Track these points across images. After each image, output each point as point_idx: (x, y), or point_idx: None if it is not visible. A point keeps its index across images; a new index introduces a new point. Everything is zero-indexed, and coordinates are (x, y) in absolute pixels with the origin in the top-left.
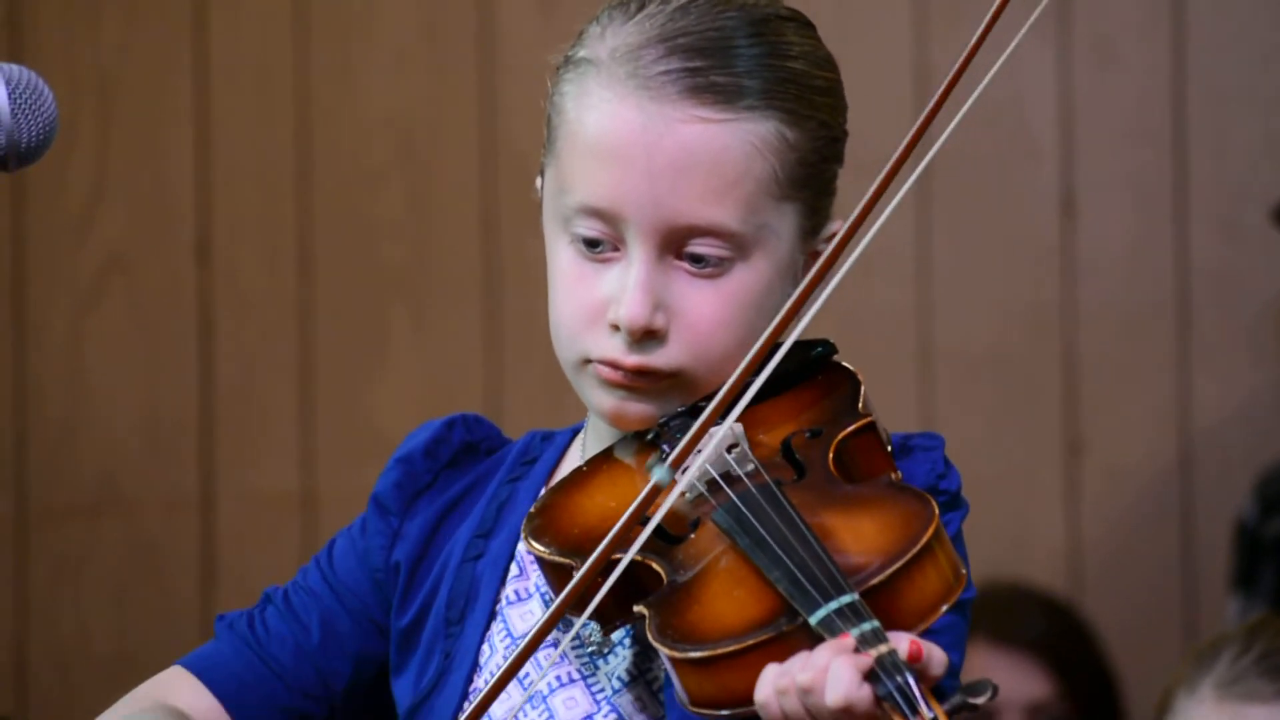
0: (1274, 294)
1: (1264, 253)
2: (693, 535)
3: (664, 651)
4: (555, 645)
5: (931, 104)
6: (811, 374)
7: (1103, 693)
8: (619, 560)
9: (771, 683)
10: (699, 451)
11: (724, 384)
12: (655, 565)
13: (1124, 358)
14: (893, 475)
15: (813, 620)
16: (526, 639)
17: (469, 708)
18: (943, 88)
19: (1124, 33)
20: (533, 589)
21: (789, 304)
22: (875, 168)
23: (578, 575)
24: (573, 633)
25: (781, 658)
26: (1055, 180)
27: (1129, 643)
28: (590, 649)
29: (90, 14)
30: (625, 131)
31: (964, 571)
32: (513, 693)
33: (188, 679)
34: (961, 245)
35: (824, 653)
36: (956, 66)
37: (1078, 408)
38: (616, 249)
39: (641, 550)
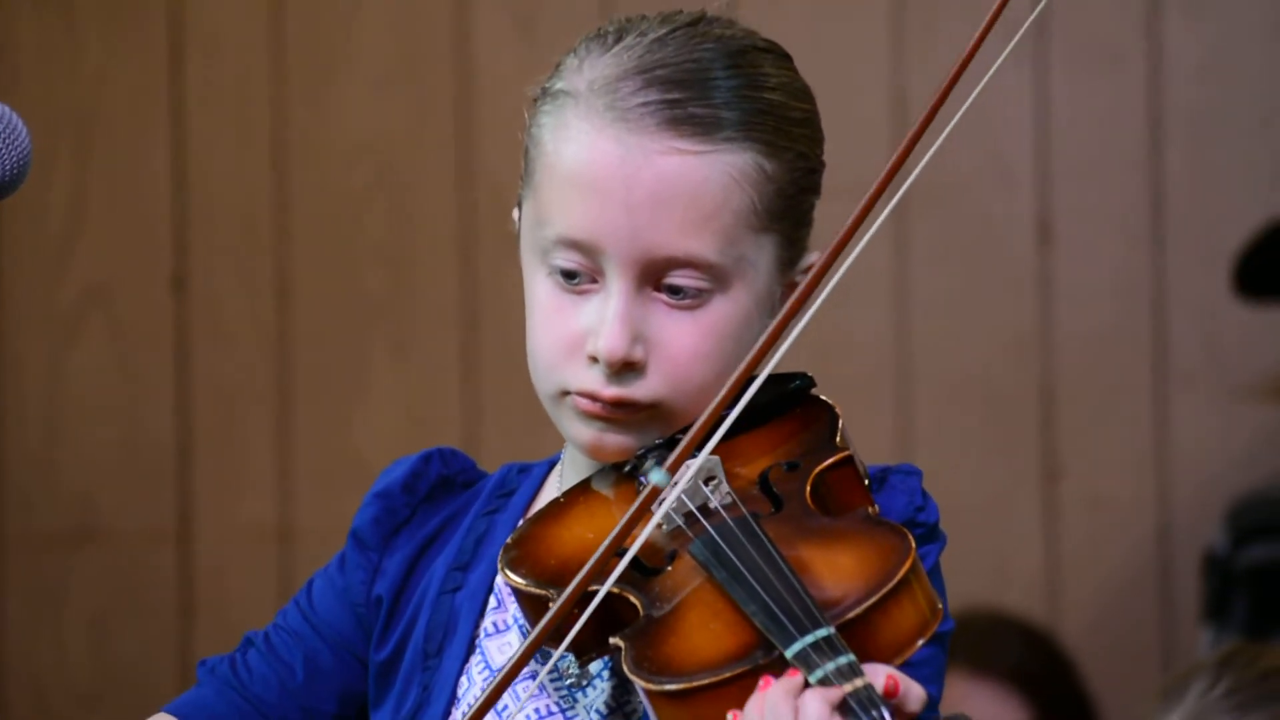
0: (1250, 319)
1: None
2: (669, 568)
3: (640, 684)
4: (534, 678)
5: (909, 135)
6: (789, 407)
7: None
8: (596, 592)
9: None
10: (675, 484)
11: (702, 413)
12: (631, 598)
13: (1102, 385)
14: (870, 509)
15: (789, 653)
16: (503, 670)
17: None
18: (922, 118)
19: (1100, 59)
20: (511, 621)
21: (767, 333)
22: (851, 194)
23: (554, 606)
24: (550, 664)
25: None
26: (1032, 207)
27: (1107, 671)
28: (569, 681)
29: (68, 46)
30: (603, 163)
31: (940, 605)
32: None
33: None
34: (939, 273)
35: (791, 684)
36: (937, 96)
37: (1056, 435)
38: (594, 281)
39: (618, 583)
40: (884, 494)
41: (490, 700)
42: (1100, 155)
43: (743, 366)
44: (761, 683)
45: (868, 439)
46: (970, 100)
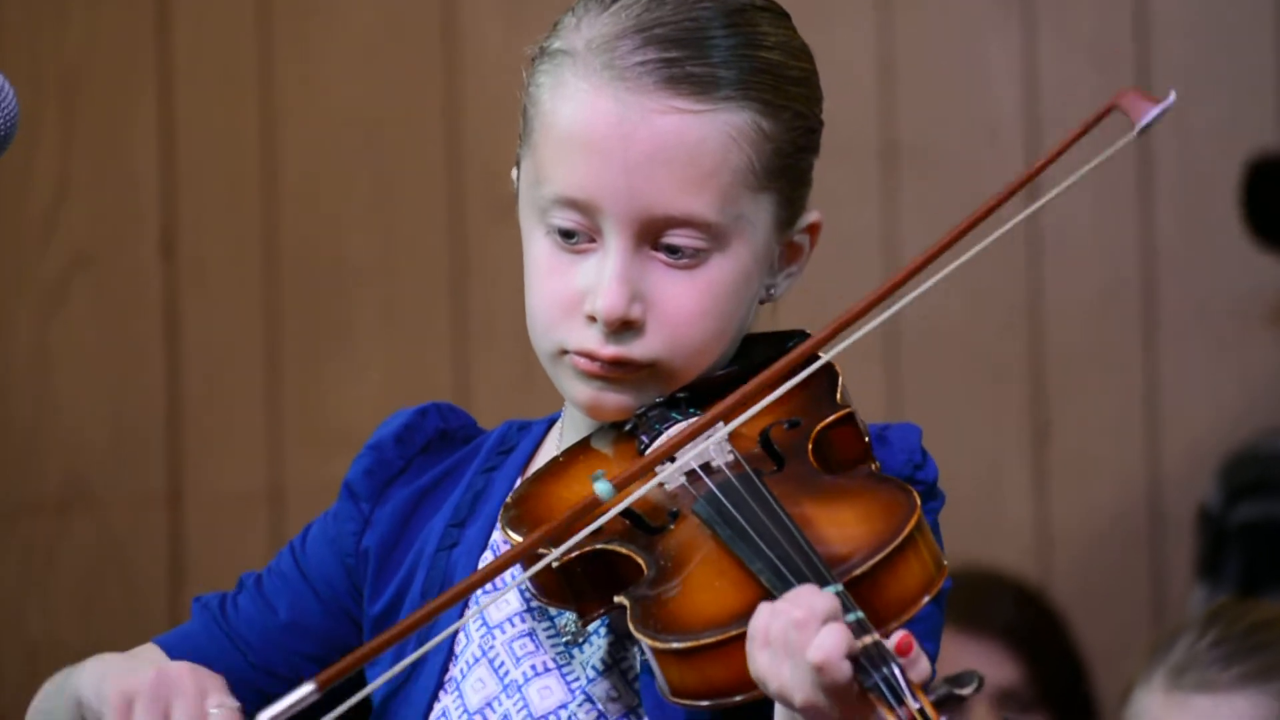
0: (1239, 278)
1: (1229, 237)
2: (672, 526)
3: (646, 642)
4: (530, 635)
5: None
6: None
7: (1072, 679)
8: (592, 544)
9: (770, 610)
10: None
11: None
12: (635, 556)
13: (1090, 344)
14: (872, 466)
15: None
16: (474, 576)
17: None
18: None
19: (1087, 18)
20: (508, 578)
21: (816, 338)
22: (839, 154)
23: (534, 536)
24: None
25: None
26: (1019, 166)
27: (1098, 628)
28: (565, 638)
29: (54, 12)
30: (602, 122)
31: (945, 562)
32: (488, 681)
33: (157, 654)
34: (927, 230)
35: (823, 603)
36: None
37: (1045, 394)
38: (593, 240)
39: (621, 541)
40: (883, 451)
41: (465, 588)
42: (1086, 113)
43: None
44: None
45: (858, 402)
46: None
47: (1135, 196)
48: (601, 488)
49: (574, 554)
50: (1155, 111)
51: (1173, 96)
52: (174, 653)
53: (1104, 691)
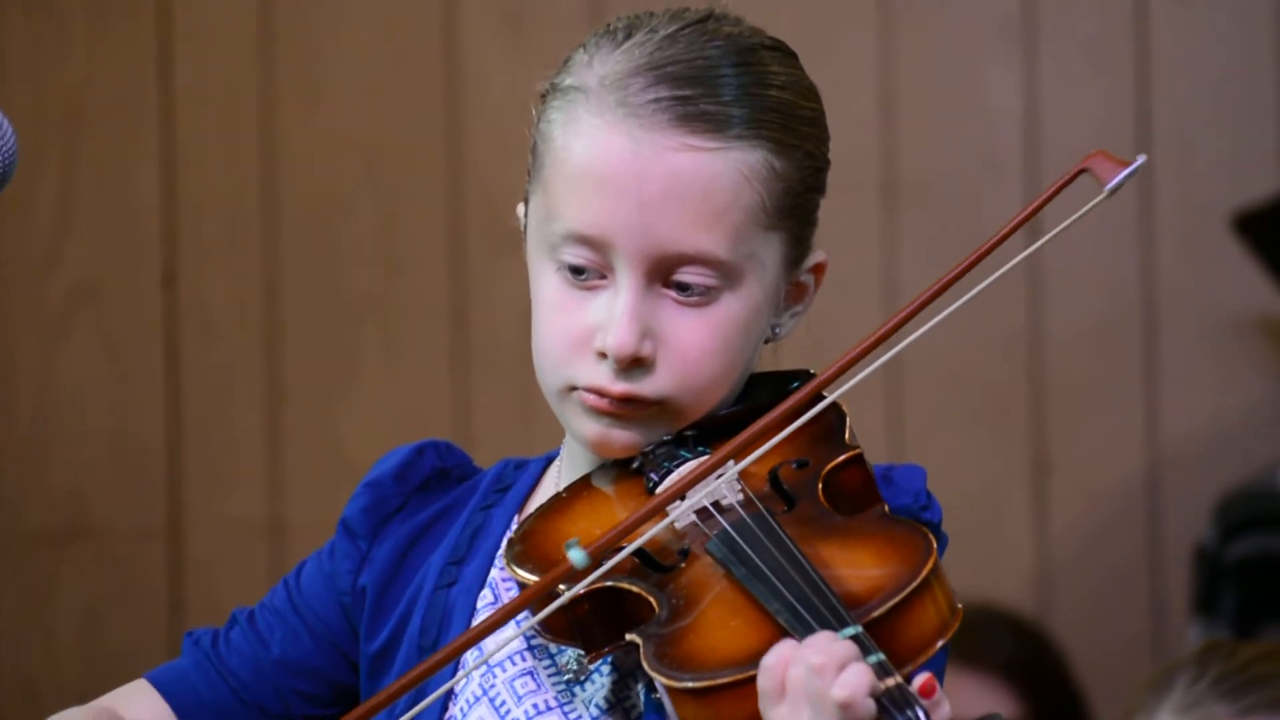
0: (1239, 310)
1: (1230, 270)
2: (684, 565)
3: (660, 680)
4: (531, 673)
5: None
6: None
7: (1071, 713)
8: (599, 583)
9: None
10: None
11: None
12: (646, 594)
13: (1091, 377)
14: (884, 508)
15: None
16: (482, 625)
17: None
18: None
19: (1087, 52)
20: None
21: (821, 377)
22: (840, 191)
23: (538, 583)
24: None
25: None
26: (1020, 199)
27: (1097, 663)
28: (566, 676)
29: (56, 44)
30: (615, 159)
31: (959, 606)
32: (488, 718)
33: (148, 691)
34: (928, 265)
35: (840, 649)
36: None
37: (1045, 427)
38: (604, 276)
39: (631, 580)
40: (889, 492)
41: (465, 644)
42: (1087, 147)
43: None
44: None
45: (859, 434)
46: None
47: (1136, 228)
48: (575, 555)
49: (583, 593)
50: (1124, 174)
51: (1141, 159)
52: (166, 689)
53: None
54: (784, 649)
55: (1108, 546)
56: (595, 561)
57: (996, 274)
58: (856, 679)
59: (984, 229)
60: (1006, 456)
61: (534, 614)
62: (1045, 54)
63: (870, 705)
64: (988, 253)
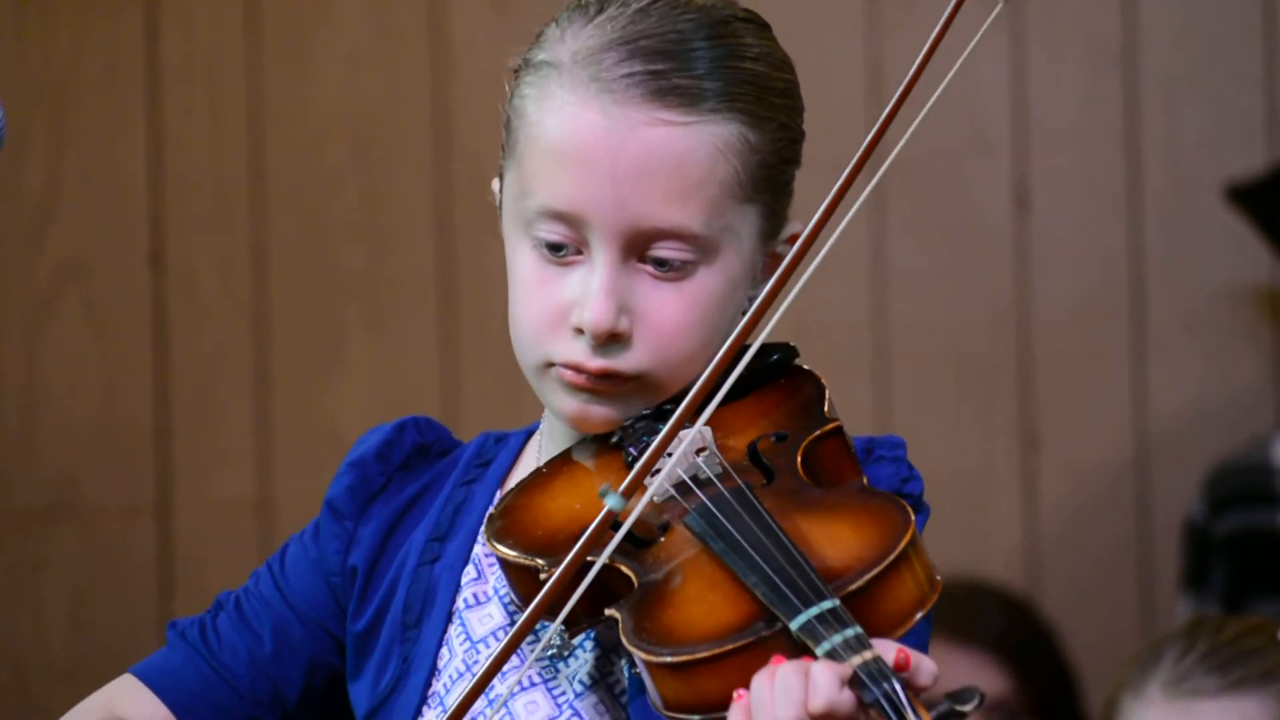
0: (1227, 285)
1: (1217, 245)
2: (662, 539)
3: (639, 655)
4: (516, 651)
5: (886, 111)
6: (773, 377)
7: (1061, 690)
8: (589, 565)
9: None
10: (669, 455)
11: (690, 388)
12: (625, 569)
13: (1079, 353)
14: (863, 480)
15: (793, 626)
16: (499, 649)
17: (431, 714)
18: (896, 97)
19: (1075, 26)
20: (491, 592)
21: (753, 308)
22: (828, 166)
23: (551, 580)
24: (545, 642)
25: (759, 663)
26: (1008, 175)
27: (1087, 638)
28: (550, 652)
29: (42, 22)
30: (589, 134)
31: (938, 578)
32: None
33: (139, 688)
34: (916, 241)
35: (795, 670)
36: (911, 74)
37: (1033, 403)
38: (579, 252)
39: (612, 554)
40: (870, 466)
41: (484, 681)
42: (1074, 122)
43: (730, 340)
44: (772, 660)
45: (846, 411)
46: (949, 77)
47: (1124, 204)
48: (613, 501)
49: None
50: None
51: None
52: (157, 686)
53: (1092, 700)
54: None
55: (1096, 522)
56: (632, 505)
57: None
58: (826, 678)
59: (971, 207)
60: (995, 433)
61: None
62: (1032, 29)
63: (848, 698)
64: (903, 98)
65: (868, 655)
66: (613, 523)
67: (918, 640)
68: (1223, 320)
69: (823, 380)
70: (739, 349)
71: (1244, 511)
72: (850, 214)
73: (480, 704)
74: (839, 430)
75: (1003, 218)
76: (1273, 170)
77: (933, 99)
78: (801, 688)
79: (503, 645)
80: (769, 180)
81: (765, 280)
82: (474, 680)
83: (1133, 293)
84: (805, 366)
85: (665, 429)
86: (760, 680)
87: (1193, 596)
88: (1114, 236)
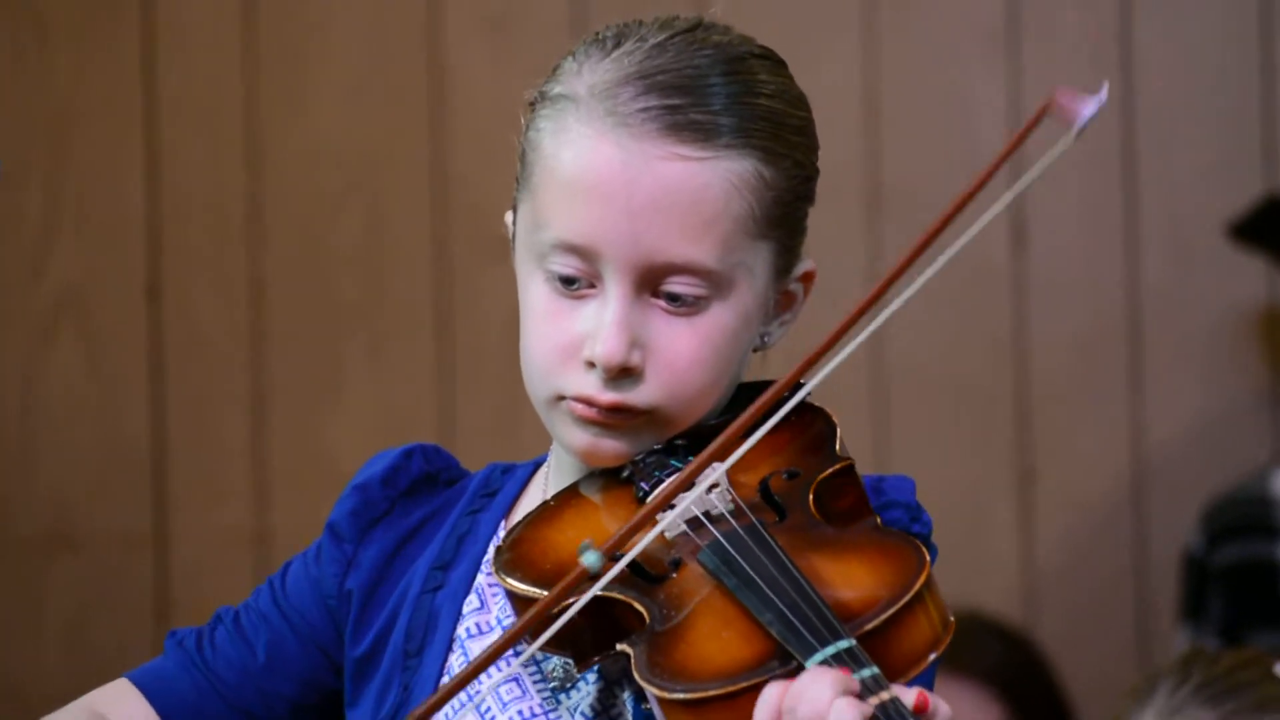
0: (1225, 317)
1: (1215, 278)
2: (674, 575)
3: (652, 691)
4: (517, 680)
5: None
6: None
7: None
8: (591, 595)
9: (769, 712)
10: (679, 496)
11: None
12: (636, 604)
13: (1076, 385)
14: (876, 520)
15: (808, 665)
16: (483, 654)
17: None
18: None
19: (1072, 58)
20: (494, 622)
21: (801, 364)
22: (824, 197)
23: (541, 601)
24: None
25: None
26: (1006, 209)
27: (1083, 671)
28: (553, 684)
29: (40, 54)
30: (605, 168)
31: (951, 619)
32: None
33: (132, 693)
34: (913, 273)
35: (825, 689)
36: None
37: (1030, 435)
38: (592, 286)
39: (622, 589)
40: (878, 503)
41: (465, 679)
42: (1073, 154)
43: (770, 391)
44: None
45: (845, 442)
46: (1008, 198)
47: (1121, 234)
48: (590, 559)
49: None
50: (1091, 107)
51: (1105, 85)
52: (150, 692)
53: None
54: (772, 698)
55: (1093, 554)
56: (610, 563)
57: (977, 225)
58: (849, 715)
59: (969, 240)
60: (992, 464)
61: (537, 631)
62: (1029, 60)
63: None
64: (954, 214)
65: (885, 696)
66: (614, 555)
67: (925, 679)
68: (1220, 353)
69: (833, 418)
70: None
71: (1243, 543)
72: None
73: None
74: (850, 468)
75: (1000, 249)
76: (1264, 199)
77: (986, 217)
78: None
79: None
80: (783, 217)
81: (777, 316)
82: (448, 684)
83: (1130, 325)
84: (815, 404)
85: (685, 471)
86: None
87: (1191, 627)
88: (1111, 269)
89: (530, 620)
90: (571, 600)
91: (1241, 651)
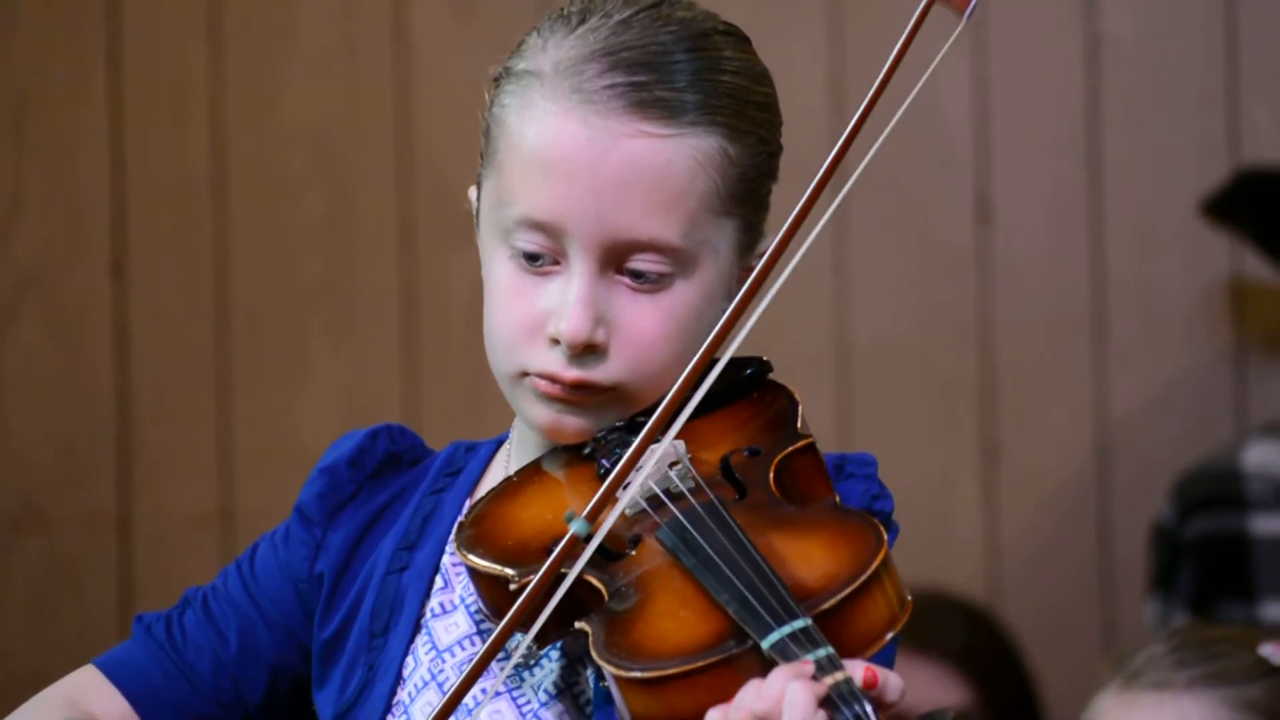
0: (1189, 298)
1: (1179, 257)
2: (633, 552)
3: (609, 669)
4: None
5: (850, 126)
6: (746, 392)
7: (1022, 700)
8: (561, 578)
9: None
10: (639, 469)
11: (661, 401)
12: (595, 581)
13: (1040, 362)
14: (835, 498)
15: (765, 644)
16: (472, 663)
17: None
18: (859, 113)
19: (1038, 38)
20: (458, 601)
21: (720, 323)
22: (790, 179)
23: (525, 594)
24: (515, 658)
25: (730, 680)
26: (970, 186)
27: (1048, 646)
28: (516, 662)
29: (3, 31)
30: (570, 145)
31: (909, 598)
32: (434, 704)
33: (101, 681)
34: (878, 251)
35: (778, 679)
36: (873, 90)
37: (995, 412)
38: (557, 263)
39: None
40: (841, 482)
41: (459, 694)
42: (1038, 134)
43: (701, 351)
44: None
45: (808, 419)
46: (913, 94)
47: (1085, 216)
48: (578, 526)
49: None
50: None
51: None
52: (119, 680)
53: (1053, 709)
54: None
55: (1058, 532)
56: (596, 529)
57: (887, 129)
58: (800, 704)
59: (935, 217)
60: (956, 443)
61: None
62: (995, 43)
63: (821, 717)
64: (857, 129)
65: (839, 676)
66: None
67: (885, 657)
68: (1183, 330)
69: (796, 395)
70: (708, 362)
71: (1213, 515)
72: (815, 232)
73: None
74: (812, 446)
75: (965, 228)
76: (1235, 176)
77: (897, 115)
78: (777, 711)
79: (476, 660)
80: (747, 194)
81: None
82: (445, 697)
83: (1094, 302)
84: (778, 381)
85: (636, 441)
86: (748, 693)
87: (1160, 599)
88: (1076, 248)
89: (537, 589)
90: (564, 569)
91: (1235, 628)
